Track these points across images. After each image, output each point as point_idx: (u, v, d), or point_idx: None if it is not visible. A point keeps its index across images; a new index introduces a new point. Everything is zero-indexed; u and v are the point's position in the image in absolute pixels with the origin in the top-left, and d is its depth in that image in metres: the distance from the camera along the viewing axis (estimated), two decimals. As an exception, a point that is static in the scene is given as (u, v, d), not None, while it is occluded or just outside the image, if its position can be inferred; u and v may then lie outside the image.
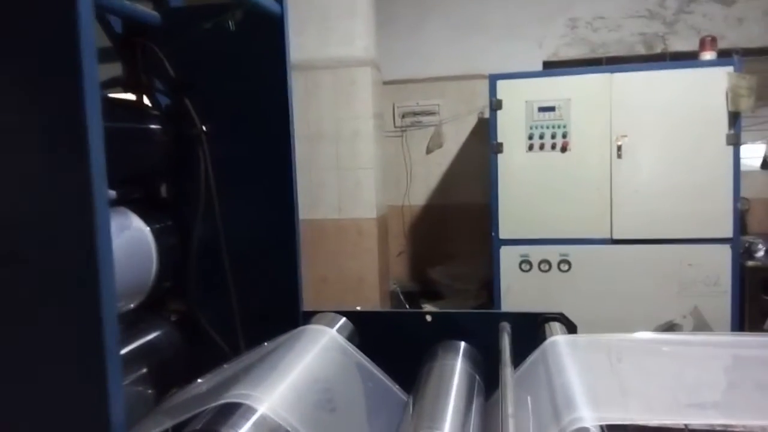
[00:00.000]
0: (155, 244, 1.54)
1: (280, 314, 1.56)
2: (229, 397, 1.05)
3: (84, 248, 0.91)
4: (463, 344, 1.55)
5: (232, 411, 1.04)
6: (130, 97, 1.60)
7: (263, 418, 1.04)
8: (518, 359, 1.36)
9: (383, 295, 4.11)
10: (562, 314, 1.51)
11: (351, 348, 1.42)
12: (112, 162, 1.41)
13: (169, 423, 1.04)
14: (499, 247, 3.51)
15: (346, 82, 3.82)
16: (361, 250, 3.90)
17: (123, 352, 1.49)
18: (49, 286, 0.94)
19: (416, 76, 4.82)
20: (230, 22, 1.52)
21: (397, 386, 1.47)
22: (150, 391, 1.50)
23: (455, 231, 4.80)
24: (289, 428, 1.01)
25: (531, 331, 1.47)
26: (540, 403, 1.20)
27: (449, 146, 4.84)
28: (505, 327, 1.48)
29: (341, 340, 1.44)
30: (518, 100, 3.41)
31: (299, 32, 3.86)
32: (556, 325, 1.48)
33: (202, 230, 1.54)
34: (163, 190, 1.70)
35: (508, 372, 1.29)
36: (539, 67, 4.50)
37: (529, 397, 1.27)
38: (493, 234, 3.51)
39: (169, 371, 1.54)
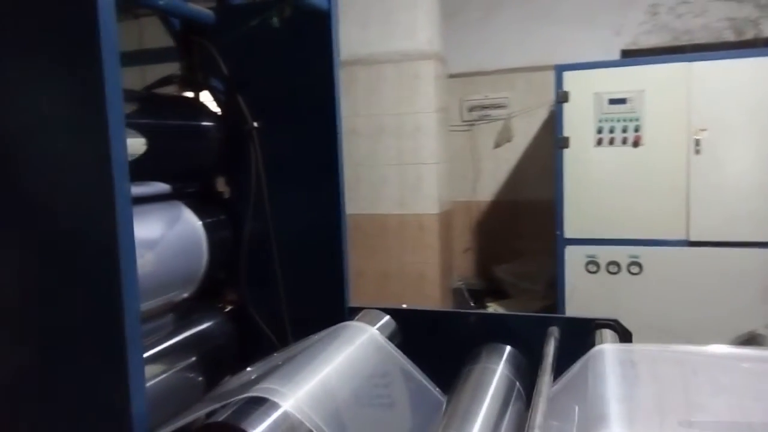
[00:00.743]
0: (206, 237, 1.58)
1: (326, 309, 1.57)
2: (255, 391, 1.04)
3: (106, 242, 0.93)
4: (508, 348, 1.49)
5: (255, 406, 1.03)
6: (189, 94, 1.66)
7: (286, 415, 1.02)
8: (566, 367, 1.29)
9: (445, 292, 4.05)
10: (616, 321, 1.42)
11: (390, 346, 1.39)
12: (167, 157, 1.50)
13: (198, 413, 1.05)
14: (564, 247, 3.37)
15: (409, 75, 3.78)
16: (422, 245, 3.86)
17: (175, 340, 1.55)
18: (73, 278, 0.97)
19: (485, 68, 4.70)
20: (275, 19, 1.53)
21: (436, 387, 1.42)
22: (200, 379, 1.54)
23: (524, 228, 4.65)
24: (311, 426, 1.00)
25: (582, 337, 1.39)
26: (573, 416, 1.13)
27: (518, 140, 4.69)
28: (553, 332, 1.41)
29: (380, 338, 1.41)
30: (587, 92, 3.24)
31: (363, 27, 3.86)
32: (607, 333, 1.40)
33: (252, 224, 1.57)
34: (221, 185, 1.75)
35: (544, 381, 1.23)
36: (616, 57, 4.26)
37: (564, 409, 1.20)
38: (557, 233, 3.36)
39: (222, 359, 1.60)
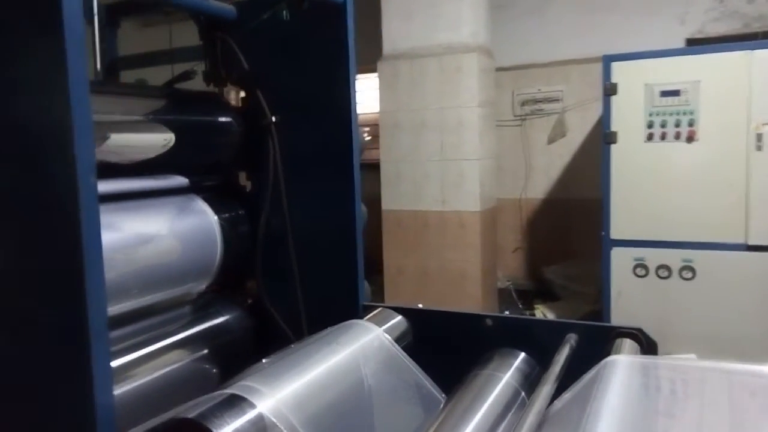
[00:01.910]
0: (221, 230, 1.58)
1: (341, 305, 1.54)
2: (234, 389, 1.02)
3: (70, 237, 0.90)
4: (521, 356, 1.41)
5: (230, 404, 1.00)
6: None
7: (260, 417, 1.00)
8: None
9: (488, 291, 3.93)
10: (640, 330, 1.31)
11: (394, 348, 1.34)
12: (186, 151, 1.52)
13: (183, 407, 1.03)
14: (610, 248, 3.18)
15: (451, 69, 3.67)
16: (463, 243, 3.75)
17: (189, 332, 1.56)
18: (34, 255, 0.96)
19: (538, 60, 4.53)
20: (285, 12, 1.52)
21: (441, 393, 1.35)
22: (214, 371, 1.54)
23: (576, 228, 4.45)
24: (286, 430, 0.98)
25: (602, 346, 1.30)
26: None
27: (573, 136, 4.49)
28: (570, 339, 1.32)
29: (385, 338, 1.37)
30: (636, 84, 3.04)
31: (406, 20, 3.79)
32: (626, 343, 1.29)
33: (270, 219, 1.58)
34: (244, 180, 1.75)
35: (542, 392, 1.16)
36: (681, 47, 3.98)
37: (562, 423, 1.12)
38: (603, 233, 3.18)
39: (238, 352, 1.59)
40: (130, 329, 1.37)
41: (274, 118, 1.56)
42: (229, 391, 1.01)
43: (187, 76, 1.77)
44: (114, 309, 1.25)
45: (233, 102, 1.72)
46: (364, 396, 1.27)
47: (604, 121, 3.14)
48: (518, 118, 4.66)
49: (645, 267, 3.12)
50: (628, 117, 3.07)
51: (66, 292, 0.92)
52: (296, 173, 1.58)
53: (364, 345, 1.31)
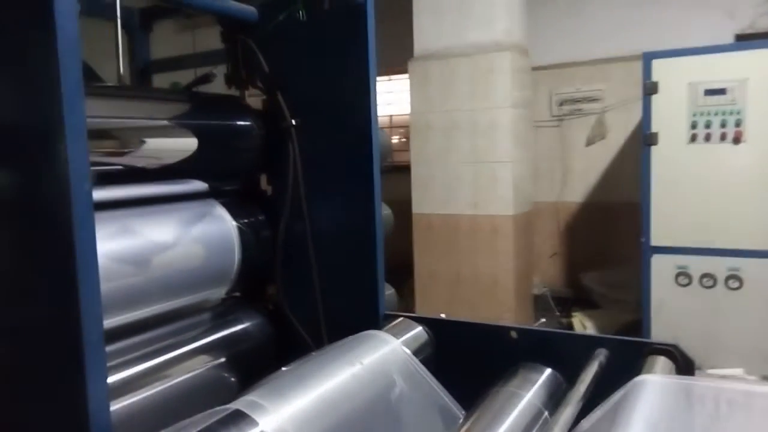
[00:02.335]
0: (239, 236, 1.55)
1: (361, 314, 1.51)
2: (238, 404, 0.99)
3: (62, 248, 0.87)
4: (547, 372, 1.33)
5: (231, 421, 0.97)
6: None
7: None
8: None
9: (523, 299, 3.80)
10: (675, 346, 1.22)
11: (412, 361, 1.29)
12: (205, 156, 1.49)
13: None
14: (651, 256, 3.02)
15: (483, 69, 3.56)
16: (495, 249, 3.64)
17: (210, 339, 1.54)
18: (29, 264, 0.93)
19: (577, 59, 4.37)
20: (301, 12, 1.49)
21: (462, 409, 1.29)
22: (233, 379, 1.52)
23: (617, 233, 4.28)
24: None
25: (634, 363, 1.22)
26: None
27: (614, 137, 4.31)
28: (599, 355, 1.24)
29: (403, 350, 1.31)
30: (679, 82, 2.88)
31: (437, 19, 3.71)
32: (659, 361, 1.21)
33: (290, 224, 1.55)
34: (264, 184, 1.73)
35: (565, 413, 1.09)
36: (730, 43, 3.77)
37: None
38: (642, 239, 3.02)
39: (257, 359, 1.56)
40: (148, 336, 1.35)
41: (294, 121, 1.53)
42: (233, 406, 0.98)
43: (206, 78, 1.77)
44: (128, 316, 1.24)
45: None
46: (377, 412, 1.21)
47: (644, 121, 2.99)
48: (556, 118, 4.51)
49: (688, 276, 2.96)
50: (669, 117, 2.92)
51: (59, 304, 0.89)
52: (316, 177, 1.55)
53: (381, 357, 1.26)
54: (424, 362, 1.30)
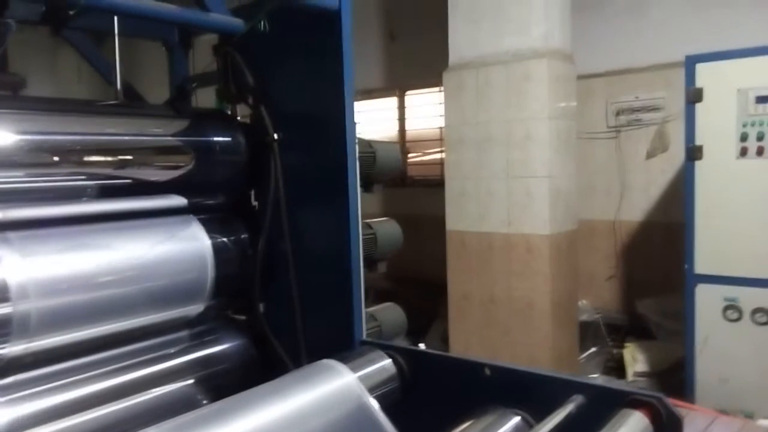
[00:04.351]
0: (213, 253, 1.51)
1: (337, 339, 1.47)
2: None
3: None
4: (514, 421, 1.19)
5: None
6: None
7: None
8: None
9: (562, 324, 3.49)
10: (659, 398, 1.05)
11: (363, 398, 1.19)
12: (192, 170, 1.47)
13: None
14: (695, 285, 2.66)
15: (518, 77, 3.32)
16: (530, 270, 3.37)
17: (185, 358, 1.52)
18: None
19: (635, 65, 4.00)
20: (262, 23, 1.45)
21: None
22: (204, 400, 1.47)
23: (680, 256, 3.84)
24: None
25: (609, 413, 1.07)
26: None
27: (677, 149, 3.89)
28: (572, 402, 1.11)
29: (356, 385, 1.21)
30: (727, 89, 2.52)
31: (473, 26, 3.52)
32: (636, 416, 1.04)
33: (270, 241, 1.52)
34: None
35: None
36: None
37: None
38: (686, 266, 2.67)
39: (234, 378, 1.52)
40: (116, 352, 1.32)
41: (276, 136, 1.49)
42: None
43: (184, 91, 1.76)
44: (90, 332, 1.22)
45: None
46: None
47: (686, 133, 2.65)
48: (612, 129, 4.16)
49: (738, 309, 2.57)
50: (716, 129, 2.57)
51: None
52: (298, 194, 1.50)
53: (327, 393, 1.18)
54: (387, 395, 1.26)
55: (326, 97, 1.45)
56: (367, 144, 2.58)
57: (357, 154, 1.52)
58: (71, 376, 1.23)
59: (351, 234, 1.47)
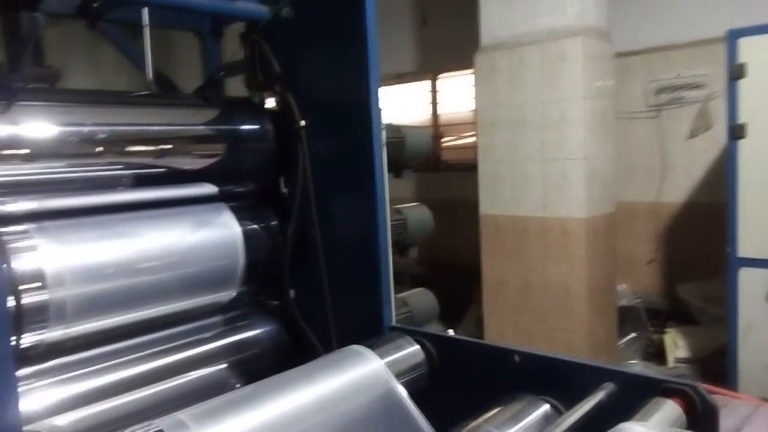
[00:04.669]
0: (244, 240, 1.55)
1: (366, 325, 1.47)
2: (164, 422, 0.95)
3: None
4: (544, 408, 1.17)
5: None
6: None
7: None
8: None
9: (600, 309, 3.43)
10: (694, 386, 1.02)
11: (391, 383, 1.19)
12: (221, 159, 1.50)
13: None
14: (737, 269, 2.57)
15: (552, 57, 3.25)
16: (566, 254, 3.31)
17: (218, 343, 1.56)
18: None
19: (677, 40, 3.86)
20: (286, 9, 1.47)
21: None
22: (237, 385, 1.50)
23: (723, 239, 3.72)
24: None
25: (640, 402, 1.05)
26: None
27: (720, 128, 3.74)
28: (604, 390, 1.09)
29: (383, 371, 1.21)
30: (772, 64, 2.40)
31: (506, 6, 3.44)
32: (669, 405, 1.01)
33: (299, 227, 1.53)
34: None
35: None
36: None
37: None
38: (728, 249, 2.58)
39: (267, 363, 1.55)
40: (150, 338, 1.36)
41: (303, 122, 1.49)
42: (158, 425, 0.93)
43: (212, 81, 1.79)
44: (125, 318, 1.26)
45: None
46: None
47: (729, 111, 2.55)
48: (653, 108, 4.03)
49: (783, 294, 2.48)
50: (760, 106, 2.45)
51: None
52: (326, 180, 1.50)
53: (355, 379, 1.18)
54: (415, 381, 1.25)
55: (352, 83, 1.43)
56: (396, 129, 2.57)
57: (384, 140, 1.51)
58: (109, 360, 1.26)
59: (378, 219, 1.46)
